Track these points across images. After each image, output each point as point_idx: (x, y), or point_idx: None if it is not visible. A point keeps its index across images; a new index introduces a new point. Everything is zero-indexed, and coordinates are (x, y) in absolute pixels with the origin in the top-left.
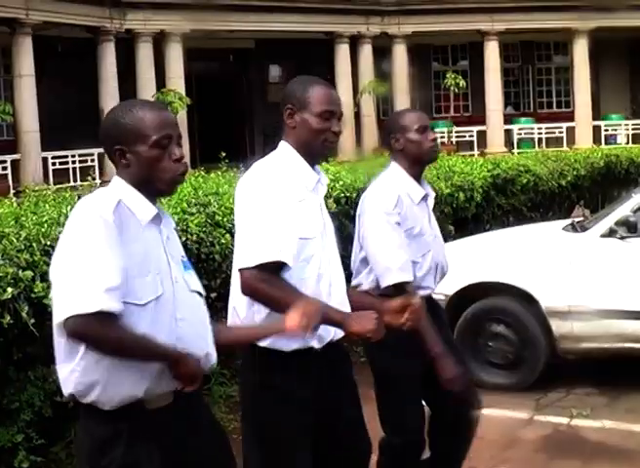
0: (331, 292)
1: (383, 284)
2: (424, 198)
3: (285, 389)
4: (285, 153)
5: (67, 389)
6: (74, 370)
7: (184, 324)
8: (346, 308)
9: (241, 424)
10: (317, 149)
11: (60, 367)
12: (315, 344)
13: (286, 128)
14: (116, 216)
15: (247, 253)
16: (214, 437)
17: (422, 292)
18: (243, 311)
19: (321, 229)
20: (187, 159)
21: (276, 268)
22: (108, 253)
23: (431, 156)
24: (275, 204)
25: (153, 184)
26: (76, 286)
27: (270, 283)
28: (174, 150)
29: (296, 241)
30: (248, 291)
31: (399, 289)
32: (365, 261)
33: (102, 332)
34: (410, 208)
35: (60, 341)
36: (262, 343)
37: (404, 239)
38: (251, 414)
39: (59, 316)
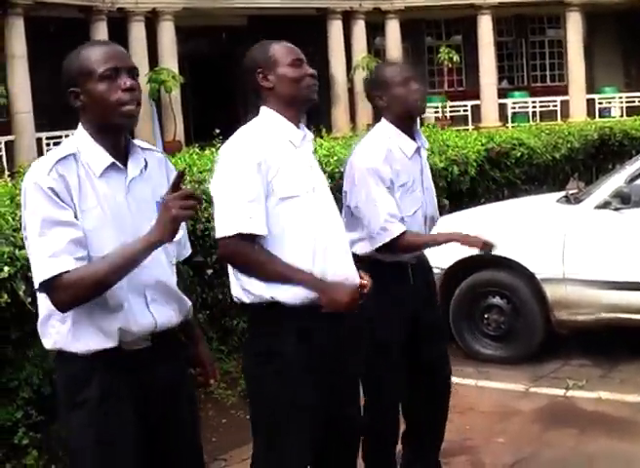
0: (326, 253)
1: (376, 244)
2: (417, 151)
3: (282, 358)
4: (266, 116)
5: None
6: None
7: (150, 270)
8: (346, 266)
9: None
10: (303, 97)
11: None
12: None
13: (263, 93)
14: (54, 177)
15: (223, 224)
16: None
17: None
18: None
19: (309, 187)
20: (182, 137)
21: (252, 238)
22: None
23: (418, 109)
24: (246, 172)
25: (108, 119)
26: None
27: (251, 249)
28: (123, 80)
29: (263, 211)
30: (226, 256)
31: (392, 246)
32: (354, 225)
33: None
34: (402, 162)
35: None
36: (263, 295)
37: (389, 195)
38: (252, 383)
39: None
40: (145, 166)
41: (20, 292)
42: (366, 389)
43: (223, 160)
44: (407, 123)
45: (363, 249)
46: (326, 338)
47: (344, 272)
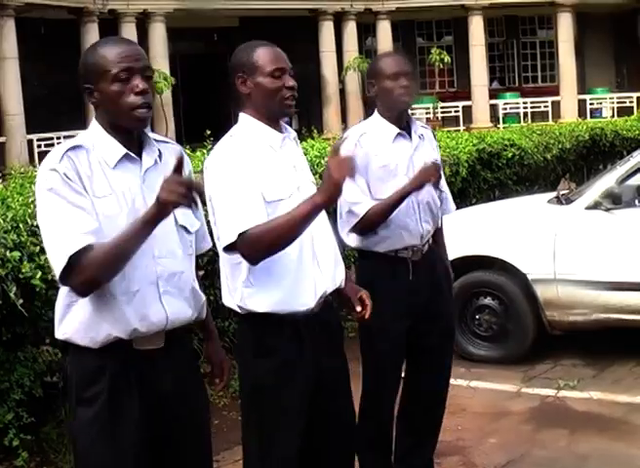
0: (314, 247)
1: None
2: (403, 136)
3: (280, 356)
4: (244, 123)
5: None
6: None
7: (164, 261)
8: (333, 264)
9: (240, 394)
10: (277, 109)
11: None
12: (302, 307)
13: (241, 97)
14: (66, 165)
15: (226, 231)
16: (196, 400)
17: (413, 237)
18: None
19: (294, 188)
20: (173, 138)
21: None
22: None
23: (402, 104)
24: (237, 177)
25: (119, 121)
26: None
27: (257, 229)
28: (136, 82)
29: (263, 207)
30: (249, 254)
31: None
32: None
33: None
34: (382, 145)
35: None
36: (260, 309)
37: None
38: (247, 382)
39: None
40: (159, 156)
41: (12, 294)
42: (364, 399)
43: (211, 175)
44: (394, 113)
45: (353, 241)
46: (311, 340)
47: (330, 273)
